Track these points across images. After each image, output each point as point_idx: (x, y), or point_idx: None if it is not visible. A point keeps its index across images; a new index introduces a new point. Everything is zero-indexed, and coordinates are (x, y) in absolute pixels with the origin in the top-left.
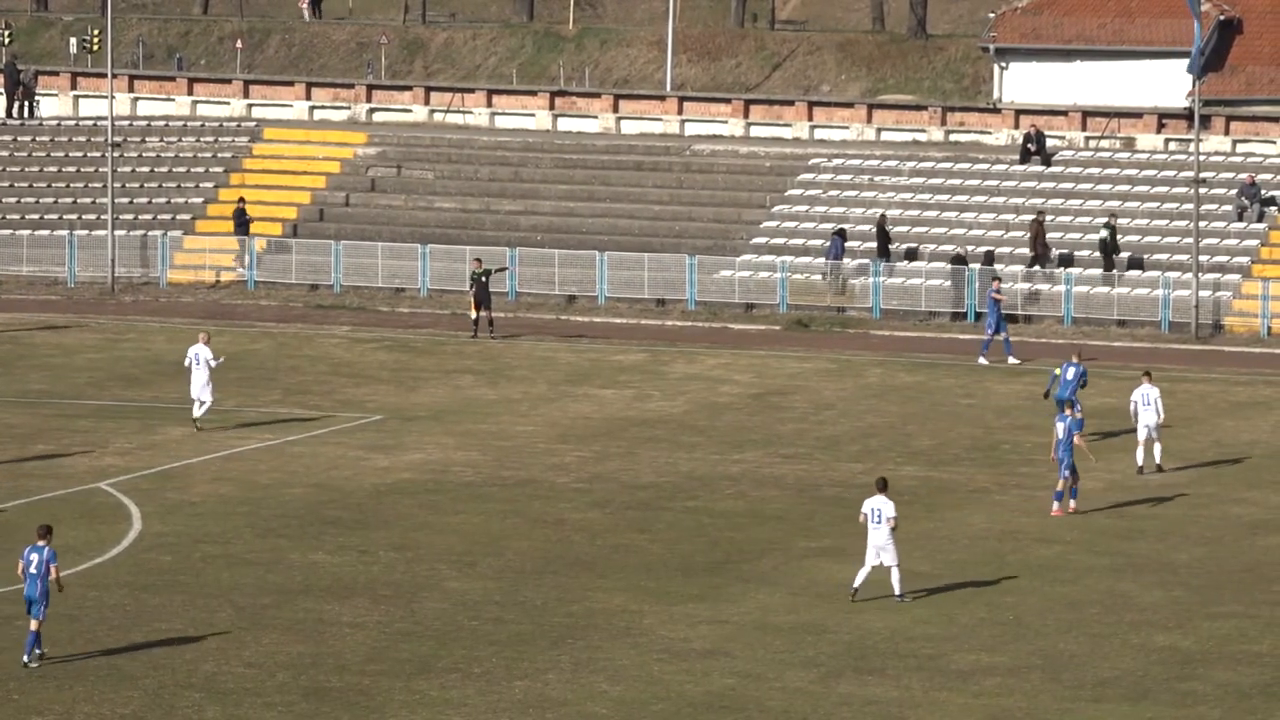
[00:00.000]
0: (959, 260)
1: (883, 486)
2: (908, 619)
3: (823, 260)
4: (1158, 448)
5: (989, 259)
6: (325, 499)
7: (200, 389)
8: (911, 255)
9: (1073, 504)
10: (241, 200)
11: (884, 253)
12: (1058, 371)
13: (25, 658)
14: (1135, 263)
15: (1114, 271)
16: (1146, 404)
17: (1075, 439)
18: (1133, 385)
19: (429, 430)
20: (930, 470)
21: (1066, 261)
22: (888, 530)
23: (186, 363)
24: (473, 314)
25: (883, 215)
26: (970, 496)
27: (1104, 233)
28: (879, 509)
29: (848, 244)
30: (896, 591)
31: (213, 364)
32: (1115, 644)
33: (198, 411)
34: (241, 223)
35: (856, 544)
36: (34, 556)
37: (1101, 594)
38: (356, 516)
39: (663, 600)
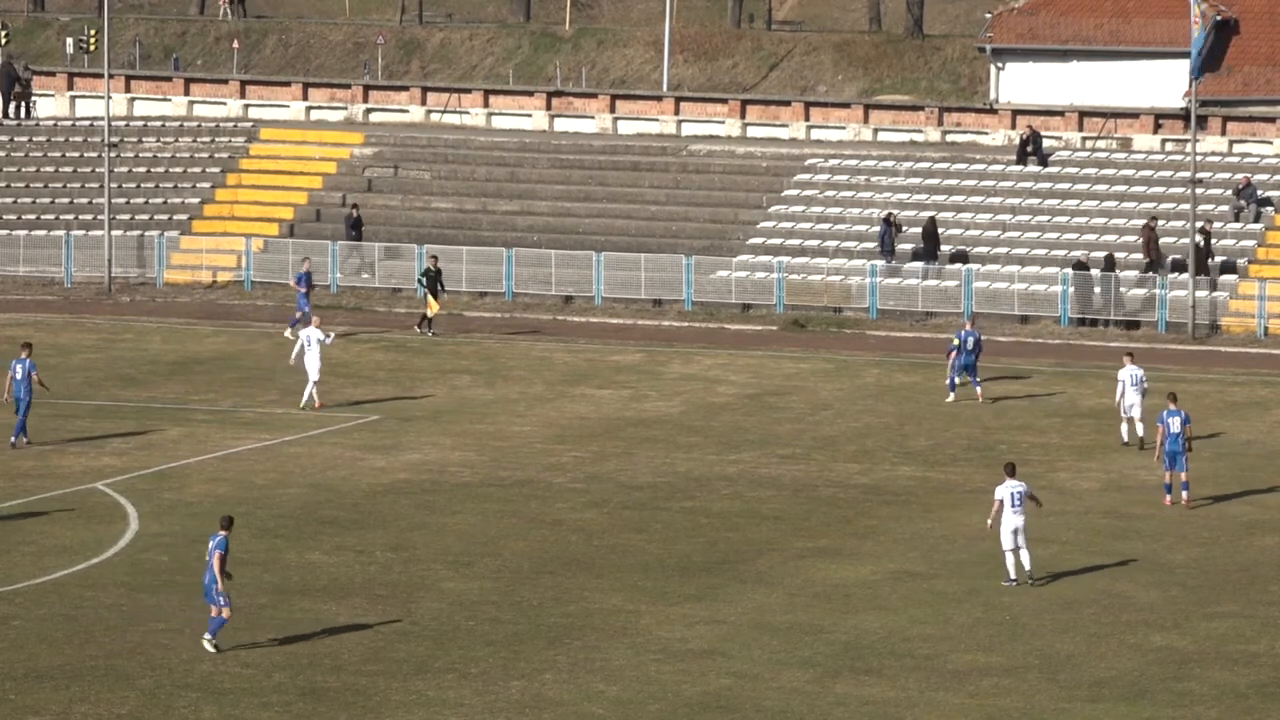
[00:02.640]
0: (1080, 266)
1: (1012, 471)
2: (904, 619)
3: (822, 260)
4: (1140, 425)
5: (1109, 264)
6: (322, 499)
7: (316, 370)
8: (960, 258)
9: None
10: (355, 206)
11: (932, 255)
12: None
13: (206, 638)
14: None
15: (1206, 276)
16: (1135, 383)
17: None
18: (1109, 385)
19: (426, 430)
20: (927, 470)
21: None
22: (1024, 512)
23: (298, 347)
24: (431, 311)
25: (932, 218)
26: (967, 497)
27: (1199, 239)
28: (1018, 492)
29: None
30: (1029, 570)
31: (326, 341)
32: (1112, 644)
33: (306, 394)
34: (354, 226)
35: (853, 544)
36: (210, 543)
37: (1098, 594)
38: (353, 517)
39: (659, 600)
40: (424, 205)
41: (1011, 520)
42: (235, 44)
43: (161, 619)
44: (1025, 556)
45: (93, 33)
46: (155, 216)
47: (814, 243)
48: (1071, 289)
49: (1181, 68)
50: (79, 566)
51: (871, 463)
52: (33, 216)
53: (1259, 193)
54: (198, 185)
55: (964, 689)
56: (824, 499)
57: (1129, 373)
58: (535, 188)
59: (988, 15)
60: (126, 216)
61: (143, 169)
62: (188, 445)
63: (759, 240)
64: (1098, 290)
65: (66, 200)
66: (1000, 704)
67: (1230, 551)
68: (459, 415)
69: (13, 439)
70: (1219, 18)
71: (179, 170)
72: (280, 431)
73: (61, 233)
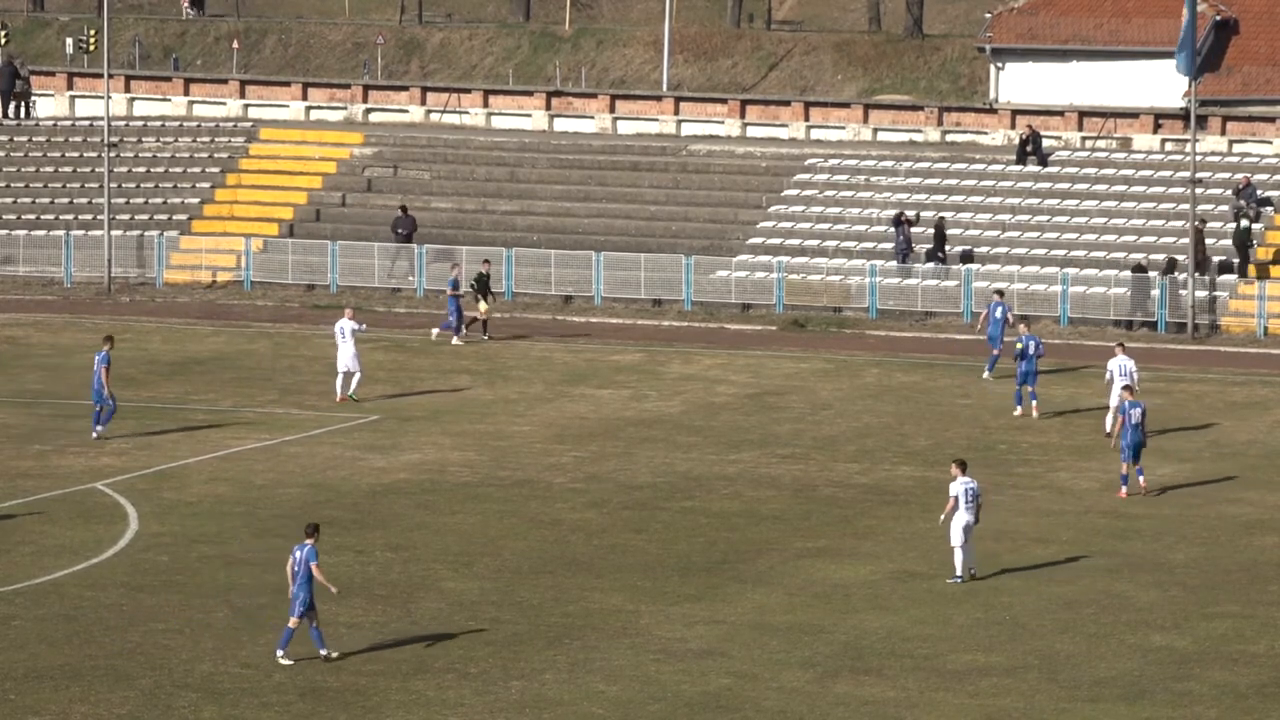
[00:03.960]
0: (1140, 269)
1: (964, 468)
2: (904, 619)
3: (822, 260)
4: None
5: (1170, 267)
6: (322, 499)
7: (349, 361)
8: (968, 259)
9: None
10: (404, 207)
11: (939, 254)
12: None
13: (279, 652)
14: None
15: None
16: (1124, 374)
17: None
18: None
19: (426, 430)
20: (927, 470)
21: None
22: (976, 510)
23: (336, 338)
24: (482, 314)
25: (941, 218)
26: None
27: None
28: (971, 489)
29: (914, 229)
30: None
31: (360, 330)
32: (1112, 644)
33: (351, 385)
34: (405, 223)
35: (853, 544)
36: (297, 554)
37: (1098, 594)
38: (353, 517)
39: (659, 600)
40: (424, 205)
41: (963, 517)
42: (235, 44)
43: (161, 619)
44: (970, 551)
45: (92, 33)
46: (155, 216)
47: (814, 243)
48: (1129, 292)
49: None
50: (79, 566)
51: (871, 462)
52: (32, 216)
53: (1259, 193)
54: (197, 185)
55: (964, 689)
56: (824, 499)
57: (1119, 363)
58: (535, 188)
59: (987, 15)
60: (126, 216)
61: (142, 169)
62: (187, 445)
63: (759, 240)
64: (1155, 293)
65: (66, 200)
66: (1000, 704)
67: (1230, 551)
68: (459, 415)
69: (95, 428)
70: (1218, 18)
71: (179, 170)
72: (280, 431)
73: (61, 233)
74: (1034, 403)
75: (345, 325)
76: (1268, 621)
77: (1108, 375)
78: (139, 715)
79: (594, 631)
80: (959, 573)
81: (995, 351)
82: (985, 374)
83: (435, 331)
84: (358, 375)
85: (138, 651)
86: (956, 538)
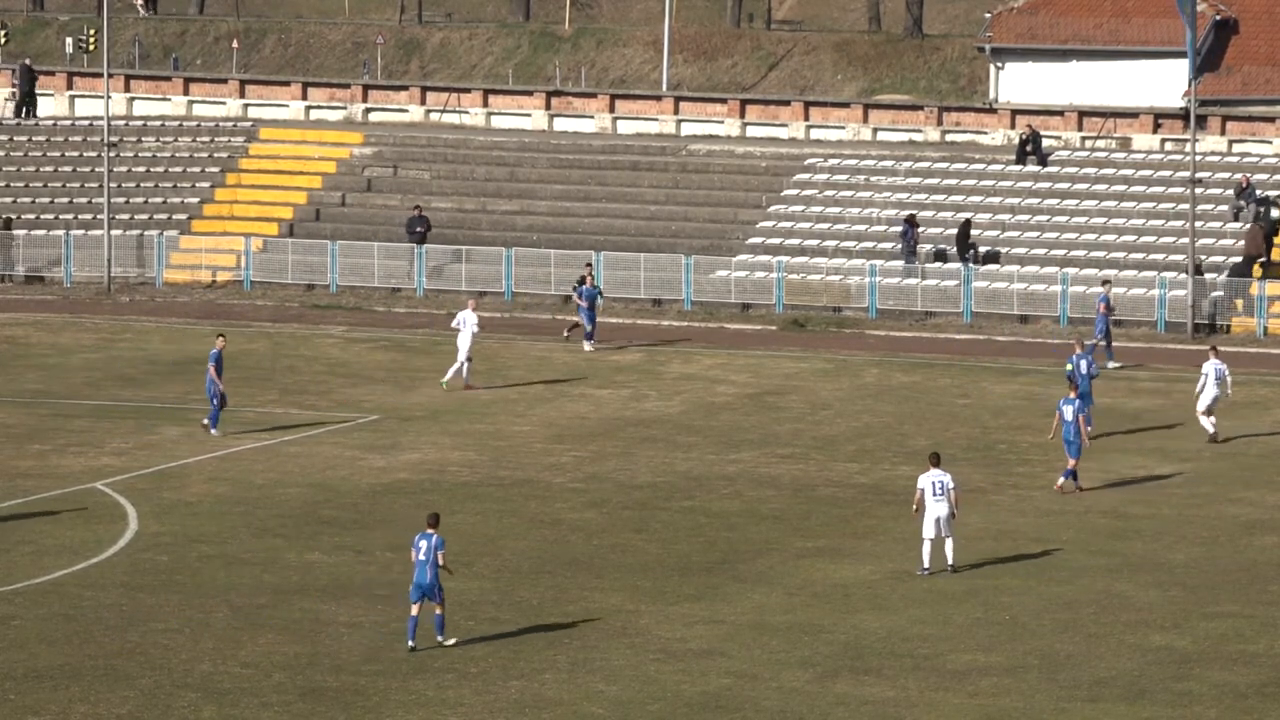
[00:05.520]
0: (1199, 271)
1: (937, 460)
2: (904, 619)
3: (821, 260)
4: (1211, 419)
5: (1238, 269)
6: (322, 499)
7: (469, 348)
8: (992, 258)
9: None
10: (418, 207)
11: (964, 256)
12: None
13: (439, 637)
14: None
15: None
16: (1219, 377)
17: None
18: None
19: (425, 430)
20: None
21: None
22: (949, 502)
23: (455, 324)
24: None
25: (968, 219)
26: (966, 496)
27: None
28: (940, 481)
29: (919, 230)
30: (950, 561)
31: (476, 329)
32: (1111, 644)
33: (463, 372)
34: (421, 223)
35: (853, 544)
36: (422, 544)
37: (1097, 594)
38: (353, 516)
39: (659, 600)
40: (424, 205)
41: (934, 509)
42: (235, 44)
43: (161, 619)
44: (949, 546)
45: (92, 32)
46: (155, 216)
47: (813, 242)
48: (1189, 294)
49: (1181, 67)
50: (79, 566)
51: (871, 462)
52: (32, 216)
53: (1258, 192)
54: (197, 185)
55: (963, 689)
56: (823, 499)
57: (1213, 366)
58: (535, 187)
59: (987, 15)
60: (126, 216)
61: (142, 169)
62: (187, 445)
63: (758, 240)
64: (1220, 294)
65: (66, 200)
66: (1000, 704)
67: (1230, 551)
68: (459, 415)
69: (211, 428)
70: (1218, 17)
71: (178, 170)
72: (280, 431)
73: (61, 232)
74: (1088, 428)
75: (467, 316)
76: (1267, 621)
77: (1201, 380)
78: (139, 715)
79: (593, 631)
80: (926, 565)
81: (1101, 341)
82: (1110, 364)
83: (588, 346)
84: (461, 366)
85: (137, 651)
86: (929, 530)
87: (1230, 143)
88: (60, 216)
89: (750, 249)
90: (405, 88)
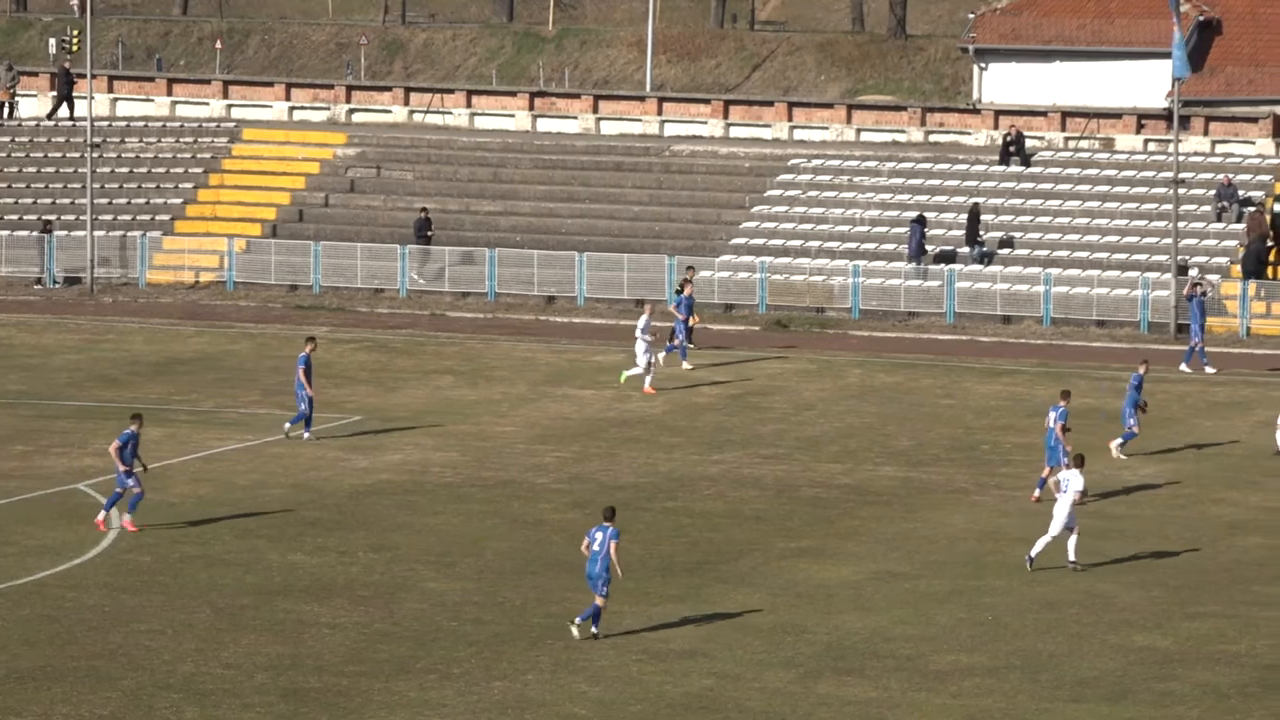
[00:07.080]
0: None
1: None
2: (886, 619)
3: (805, 260)
4: None
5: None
6: (304, 500)
7: (642, 353)
8: (1006, 244)
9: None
10: (425, 209)
11: (974, 240)
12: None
13: (593, 629)
14: None
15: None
16: None
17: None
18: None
19: (408, 431)
20: (909, 471)
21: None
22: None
23: (638, 331)
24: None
25: (976, 204)
26: (949, 497)
27: None
28: (1068, 480)
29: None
30: (1071, 557)
31: (648, 337)
32: (1094, 644)
33: (640, 375)
34: (426, 225)
35: (836, 545)
36: (598, 535)
37: (1080, 594)
38: (335, 517)
39: (642, 601)
40: (407, 205)
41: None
42: (218, 44)
43: (143, 620)
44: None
45: (75, 33)
46: (138, 217)
47: (797, 243)
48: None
49: (1164, 68)
50: (61, 567)
51: (854, 463)
52: (15, 217)
53: (1240, 193)
54: (180, 185)
55: (946, 689)
56: (806, 499)
57: None
58: (518, 188)
59: (970, 15)
60: (109, 217)
61: (125, 169)
62: (170, 446)
63: (741, 240)
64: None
65: (49, 200)
66: (982, 704)
67: (1213, 552)
68: (442, 416)
69: (293, 428)
70: (1201, 18)
71: (161, 170)
72: (262, 432)
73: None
74: (1121, 442)
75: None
76: (1250, 621)
77: None
78: (121, 716)
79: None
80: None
81: (1196, 342)
82: (1184, 366)
83: (686, 365)
84: (638, 369)
85: (120, 652)
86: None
87: (1213, 143)
88: (43, 217)
89: (733, 249)
90: (389, 88)
